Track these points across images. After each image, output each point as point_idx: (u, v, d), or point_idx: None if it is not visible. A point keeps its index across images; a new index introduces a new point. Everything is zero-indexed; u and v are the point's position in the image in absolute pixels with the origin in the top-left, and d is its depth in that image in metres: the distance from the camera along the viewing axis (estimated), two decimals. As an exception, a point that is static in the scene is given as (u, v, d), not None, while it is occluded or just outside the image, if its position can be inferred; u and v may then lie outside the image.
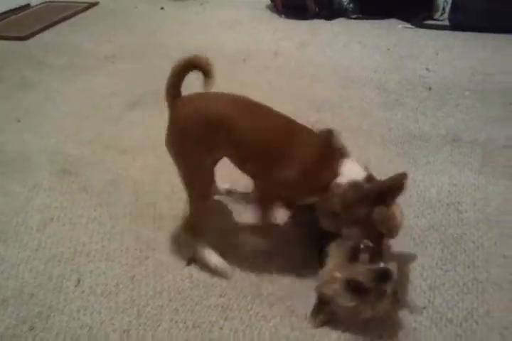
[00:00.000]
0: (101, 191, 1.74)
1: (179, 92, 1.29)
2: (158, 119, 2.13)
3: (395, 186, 1.14)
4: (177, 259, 1.43)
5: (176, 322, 1.23)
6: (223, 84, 2.49)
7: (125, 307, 1.28)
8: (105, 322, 1.25)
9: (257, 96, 2.31)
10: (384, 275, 1.13)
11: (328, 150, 1.23)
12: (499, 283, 1.32)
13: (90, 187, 1.76)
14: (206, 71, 1.24)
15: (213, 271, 1.36)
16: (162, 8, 3.70)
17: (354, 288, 1.14)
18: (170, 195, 1.68)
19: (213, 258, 1.36)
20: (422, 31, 3.11)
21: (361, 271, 1.14)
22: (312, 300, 1.26)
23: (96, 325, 1.24)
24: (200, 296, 1.30)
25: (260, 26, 3.31)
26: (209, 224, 1.43)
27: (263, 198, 1.38)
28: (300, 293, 1.30)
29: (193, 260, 1.41)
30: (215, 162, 1.36)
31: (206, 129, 1.22)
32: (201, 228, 1.39)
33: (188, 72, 1.25)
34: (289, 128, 1.26)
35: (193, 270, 1.38)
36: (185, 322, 1.23)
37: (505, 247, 1.43)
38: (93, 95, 2.44)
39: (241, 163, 1.31)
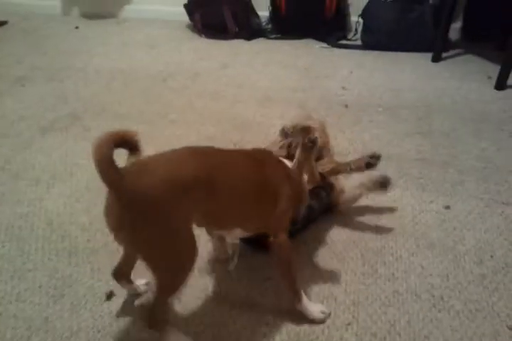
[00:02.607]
0: (10, 225, 1.62)
1: (117, 167, 0.97)
2: (74, 144, 2.08)
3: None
4: (95, 295, 1.35)
5: (95, 363, 1.16)
6: (143, 105, 2.49)
7: (38, 353, 1.18)
8: (15, 371, 1.15)
9: (179, 118, 2.32)
10: None
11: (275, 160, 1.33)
12: (418, 293, 1.37)
13: (-2, 222, 1.63)
14: (133, 147, 1.05)
15: None
16: (77, 28, 3.59)
17: None
18: (87, 226, 1.60)
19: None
20: (337, 51, 3.24)
21: None
22: (238, 326, 1.25)
23: (5, 375, 1.14)
24: (121, 332, 1.23)
25: (180, 46, 3.30)
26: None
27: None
28: (226, 319, 1.28)
29: (113, 294, 1.34)
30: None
31: (178, 195, 1.02)
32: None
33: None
34: (255, 159, 1.24)
35: (113, 305, 1.31)
36: (104, 363, 1.16)
37: (422, 257, 1.49)
38: (0, 120, 2.29)
39: (226, 218, 1.18)
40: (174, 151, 1.12)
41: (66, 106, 2.39)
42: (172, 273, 1.09)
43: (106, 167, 0.94)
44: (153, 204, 0.99)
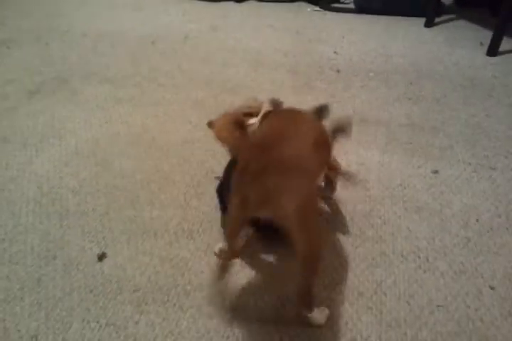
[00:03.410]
0: (0, 188, 1.61)
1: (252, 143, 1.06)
2: (62, 108, 2.04)
3: None
4: (87, 256, 1.36)
5: (88, 321, 1.18)
6: (132, 68, 2.44)
7: (32, 312, 1.20)
8: (10, 329, 1.16)
9: (167, 81, 2.28)
10: None
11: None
12: (404, 255, 1.40)
13: (-13, 185, 1.62)
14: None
15: None
16: (61, -11, 3.46)
17: None
18: (77, 189, 1.60)
19: None
20: (329, 14, 3.18)
21: None
22: (228, 289, 1.27)
23: (-1, 333, 1.16)
24: (113, 292, 1.25)
25: (169, 8, 3.20)
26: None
27: None
28: (216, 279, 1.30)
29: (104, 255, 1.36)
30: None
31: (315, 150, 1.09)
32: None
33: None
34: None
35: (105, 265, 1.33)
36: (97, 321, 1.18)
37: (409, 221, 1.52)
38: (-15, 84, 2.24)
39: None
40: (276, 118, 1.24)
41: (53, 69, 2.33)
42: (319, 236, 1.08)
43: (244, 145, 1.01)
44: (302, 167, 1.01)
